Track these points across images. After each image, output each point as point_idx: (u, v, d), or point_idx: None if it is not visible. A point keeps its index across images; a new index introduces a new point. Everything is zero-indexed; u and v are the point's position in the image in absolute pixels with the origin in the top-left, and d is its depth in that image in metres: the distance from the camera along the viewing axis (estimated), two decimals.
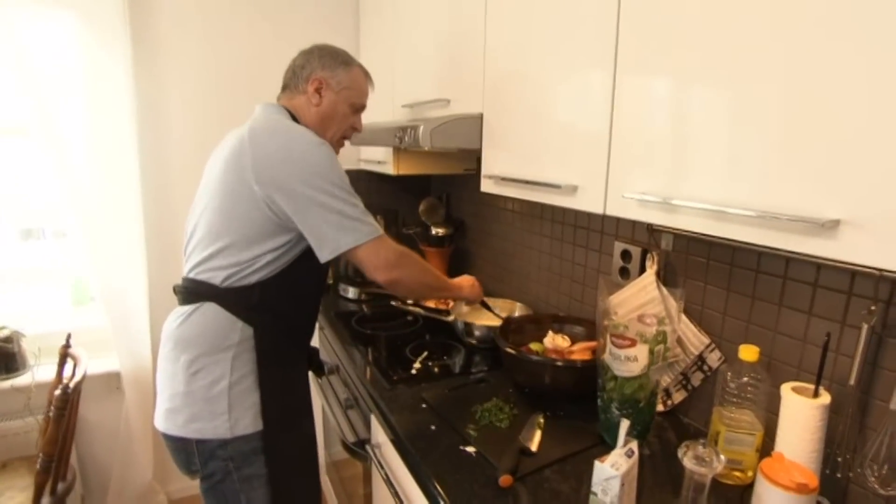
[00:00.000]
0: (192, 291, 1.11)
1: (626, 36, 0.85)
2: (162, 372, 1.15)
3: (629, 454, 0.85)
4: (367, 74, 1.27)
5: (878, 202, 0.54)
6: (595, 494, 0.84)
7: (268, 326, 1.12)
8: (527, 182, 1.10)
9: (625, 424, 0.87)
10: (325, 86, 1.20)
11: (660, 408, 1.20)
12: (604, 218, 1.39)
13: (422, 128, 1.19)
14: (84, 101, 1.75)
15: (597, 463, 0.83)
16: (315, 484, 1.31)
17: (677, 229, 0.79)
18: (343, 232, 1.05)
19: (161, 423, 1.13)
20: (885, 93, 0.53)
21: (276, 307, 1.13)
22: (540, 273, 1.68)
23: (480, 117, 1.24)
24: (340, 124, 1.24)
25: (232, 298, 1.08)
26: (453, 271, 2.18)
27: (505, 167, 1.19)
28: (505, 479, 0.92)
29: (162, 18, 1.89)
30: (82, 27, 1.71)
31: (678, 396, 1.19)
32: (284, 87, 1.24)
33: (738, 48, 0.68)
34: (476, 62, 1.25)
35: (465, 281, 1.43)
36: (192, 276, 1.12)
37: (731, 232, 0.70)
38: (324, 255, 1.07)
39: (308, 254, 1.10)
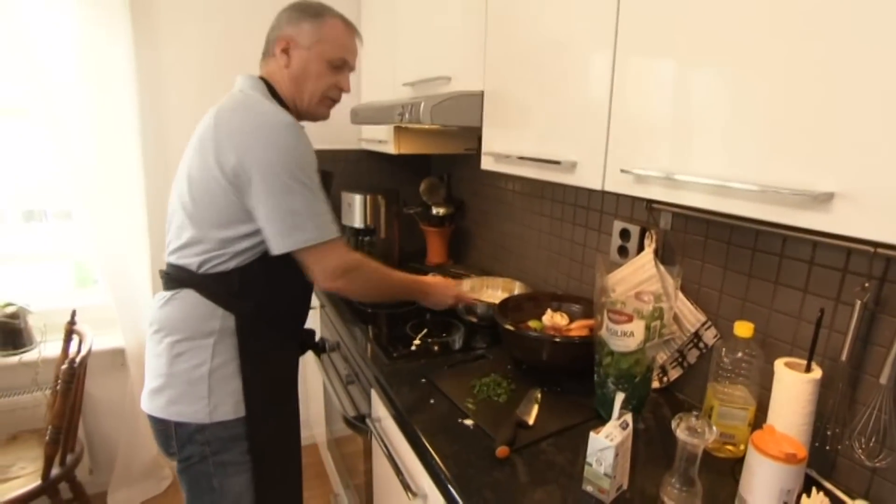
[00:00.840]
0: (173, 277, 1.08)
1: (627, 11, 0.84)
2: (148, 352, 1.12)
3: (623, 426, 0.87)
4: (347, 25, 1.14)
5: (870, 176, 0.55)
6: (590, 465, 0.86)
7: (250, 314, 1.07)
8: (526, 159, 1.10)
9: (620, 397, 0.89)
10: (293, 44, 1.10)
11: (656, 384, 1.22)
12: (603, 196, 1.40)
13: (423, 104, 1.18)
14: (84, 82, 1.74)
15: (592, 434, 0.85)
16: (297, 470, 1.26)
17: (676, 206, 0.79)
18: (290, 229, 0.98)
19: (145, 402, 1.11)
20: (877, 68, 0.53)
21: (259, 294, 1.07)
22: (539, 252, 1.69)
23: (481, 95, 1.24)
24: (316, 84, 1.12)
25: (210, 285, 1.04)
26: (454, 251, 2.19)
27: (505, 144, 1.20)
28: (502, 451, 0.94)
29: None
30: (82, 6, 1.70)
31: (674, 373, 1.21)
32: (263, 55, 1.16)
33: (737, 25, 0.67)
34: (477, 40, 1.24)
35: (437, 286, 1.34)
36: (171, 260, 1.09)
37: (728, 206, 0.70)
38: (272, 250, 1.01)
39: None
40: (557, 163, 1.00)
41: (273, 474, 1.14)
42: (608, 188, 0.90)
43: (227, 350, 1.06)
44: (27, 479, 1.51)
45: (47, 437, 1.48)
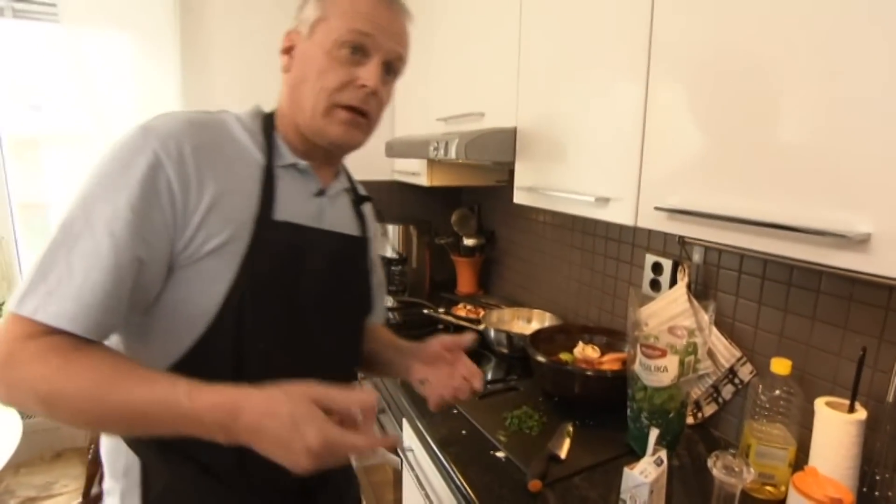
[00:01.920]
0: None
1: (659, 44, 0.87)
2: None
3: (658, 462, 0.86)
4: None
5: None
6: (624, 501, 0.85)
7: (156, 448, 0.70)
8: (559, 194, 1.13)
9: (654, 433, 0.88)
10: (295, 37, 0.76)
11: (690, 420, 1.20)
12: (635, 230, 1.40)
13: (457, 140, 1.23)
14: (138, 109, 1.87)
15: (626, 470, 0.85)
16: None
17: (707, 241, 0.80)
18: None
19: None
20: None
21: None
22: (570, 284, 1.69)
23: (514, 130, 1.28)
24: (319, 85, 0.72)
25: None
26: (484, 281, 2.21)
27: (537, 179, 1.23)
28: (534, 484, 0.94)
29: (208, 29, 2.00)
30: (137, 43, 1.85)
31: (708, 409, 1.19)
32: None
33: (765, 63, 0.69)
34: (511, 76, 1.29)
35: (256, 410, 0.57)
36: None
37: (764, 245, 0.71)
38: None
39: (202, 345, 0.68)
40: (590, 198, 1.02)
41: None
42: (641, 224, 0.92)
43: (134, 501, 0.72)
44: (69, 496, 1.57)
45: (89, 456, 1.53)
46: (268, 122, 0.77)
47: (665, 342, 1.04)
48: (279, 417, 0.56)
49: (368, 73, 0.73)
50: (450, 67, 1.66)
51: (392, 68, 0.78)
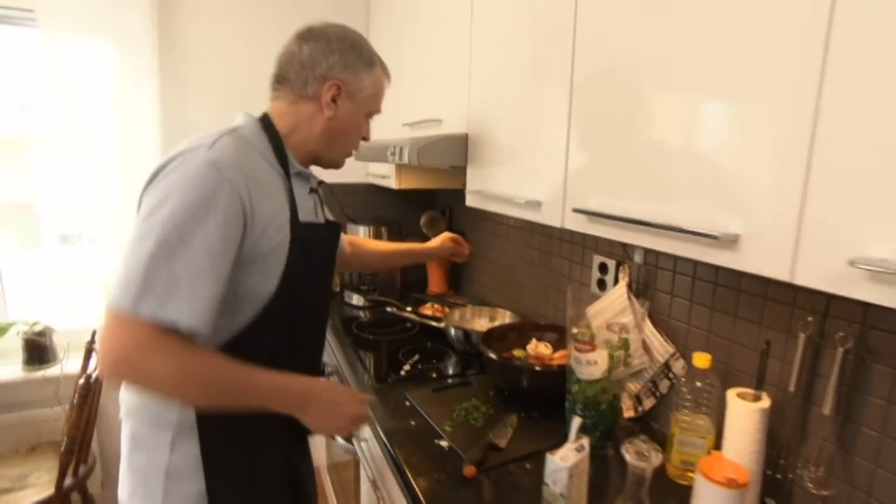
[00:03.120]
0: None
1: (578, 70, 0.94)
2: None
3: (579, 449, 0.92)
4: (387, 74, 1.04)
5: (763, 220, 0.62)
6: (547, 485, 0.91)
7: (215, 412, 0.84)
8: (502, 198, 1.19)
9: (577, 421, 0.94)
10: (345, 92, 0.95)
11: (631, 413, 1.26)
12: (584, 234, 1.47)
13: (409, 146, 1.29)
14: (115, 118, 1.92)
15: (548, 455, 0.90)
16: None
17: (620, 241, 0.86)
18: (115, 284, 0.74)
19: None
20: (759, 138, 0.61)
21: None
22: (531, 283, 1.76)
23: (466, 137, 1.34)
24: (353, 136, 1.01)
25: None
26: (454, 282, 2.27)
27: (484, 183, 1.29)
28: (469, 470, 1.00)
29: (185, 36, 2.06)
30: (115, 48, 1.89)
31: (648, 403, 1.25)
32: (281, 80, 0.96)
33: (648, 86, 0.76)
34: (463, 86, 1.36)
35: (326, 400, 0.90)
36: None
37: (661, 245, 0.77)
38: None
39: (263, 316, 0.88)
40: (524, 202, 1.08)
41: None
42: (567, 226, 0.98)
43: (187, 448, 0.88)
44: (41, 487, 1.62)
45: (62, 448, 1.58)
46: (274, 139, 0.95)
47: (603, 338, 1.10)
48: (334, 394, 0.91)
49: (369, 130, 1.06)
50: (414, 75, 1.72)
51: None
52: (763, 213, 0.62)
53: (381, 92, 1.03)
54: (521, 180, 1.14)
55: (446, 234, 1.56)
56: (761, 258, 0.62)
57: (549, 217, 1.02)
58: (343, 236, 1.30)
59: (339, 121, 0.97)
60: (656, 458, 0.85)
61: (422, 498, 0.93)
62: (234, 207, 0.80)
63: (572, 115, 0.95)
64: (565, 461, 0.89)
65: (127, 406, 0.92)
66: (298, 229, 0.92)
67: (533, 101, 1.09)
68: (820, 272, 0.55)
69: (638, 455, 0.86)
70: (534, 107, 1.08)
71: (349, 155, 1.05)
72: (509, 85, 1.17)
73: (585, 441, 0.93)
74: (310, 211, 1.02)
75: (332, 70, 0.94)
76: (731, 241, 0.65)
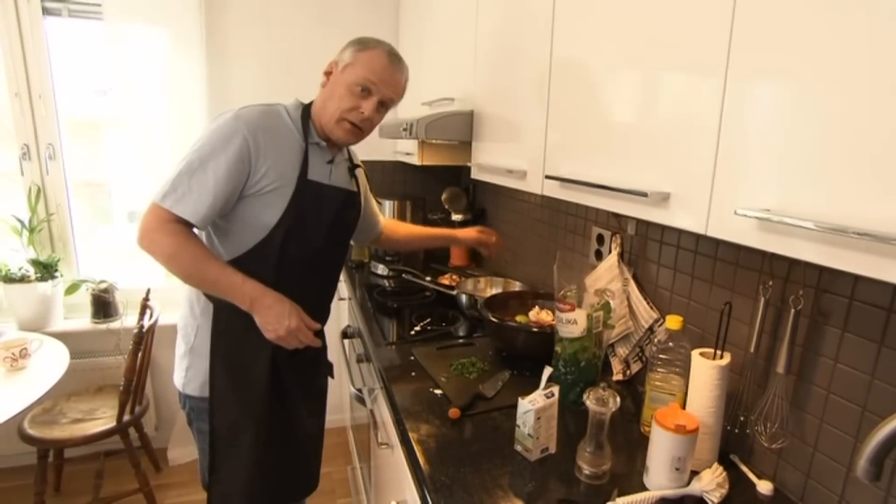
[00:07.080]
0: None
1: (555, 57, 1.01)
2: None
3: (549, 395, 1.01)
4: (389, 57, 1.18)
5: (686, 180, 0.69)
6: (518, 426, 1.02)
7: (226, 308, 1.16)
8: (499, 169, 1.28)
9: (547, 371, 1.04)
10: (334, 67, 1.21)
11: (620, 377, 1.34)
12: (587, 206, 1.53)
13: (418, 122, 1.39)
14: (168, 100, 2.13)
15: (519, 399, 1.01)
16: (256, 457, 1.25)
17: (581, 203, 0.94)
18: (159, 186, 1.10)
19: None
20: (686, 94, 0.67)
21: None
22: (539, 255, 1.83)
23: (472, 114, 1.43)
24: (338, 104, 1.17)
25: None
26: (475, 255, 2.37)
27: (486, 157, 1.38)
28: (453, 412, 1.12)
29: (228, 28, 2.25)
30: (169, 39, 2.09)
31: (635, 367, 1.32)
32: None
33: (596, 66, 0.83)
34: (469, 66, 1.44)
35: (274, 308, 1.13)
36: None
37: (613, 206, 0.85)
38: None
39: (262, 246, 1.16)
40: (512, 171, 1.17)
41: (227, 455, 1.25)
42: (546, 193, 1.06)
43: (205, 333, 1.21)
44: (106, 420, 1.88)
45: (121, 388, 1.83)
46: (305, 113, 1.23)
47: (590, 303, 1.18)
48: (282, 305, 1.14)
49: (367, 106, 1.19)
50: (432, 57, 1.82)
51: (385, 105, 1.23)
52: (687, 174, 0.69)
53: (368, 67, 1.16)
54: (514, 154, 1.22)
55: (477, 228, 1.74)
56: (685, 214, 0.69)
57: (532, 185, 1.11)
58: (381, 220, 1.60)
59: (327, 89, 1.21)
60: (614, 404, 0.93)
61: (410, 435, 1.06)
62: (243, 151, 1.10)
63: (550, 95, 1.03)
64: (533, 404, 0.99)
65: (183, 300, 1.28)
66: (303, 184, 1.18)
67: (521, 82, 1.16)
68: (723, 225, 0.62)
69: (598, 401, 0.94)
70: (522, 88, 1.16)
71: (342, 122, 1.19)
72: (504, 65, 1.25)
73: (555, 389, 1.03)
74: (323, 175, 1.25)
75: (338, 57, 1.22)
76: (663, 200, 0.72)
